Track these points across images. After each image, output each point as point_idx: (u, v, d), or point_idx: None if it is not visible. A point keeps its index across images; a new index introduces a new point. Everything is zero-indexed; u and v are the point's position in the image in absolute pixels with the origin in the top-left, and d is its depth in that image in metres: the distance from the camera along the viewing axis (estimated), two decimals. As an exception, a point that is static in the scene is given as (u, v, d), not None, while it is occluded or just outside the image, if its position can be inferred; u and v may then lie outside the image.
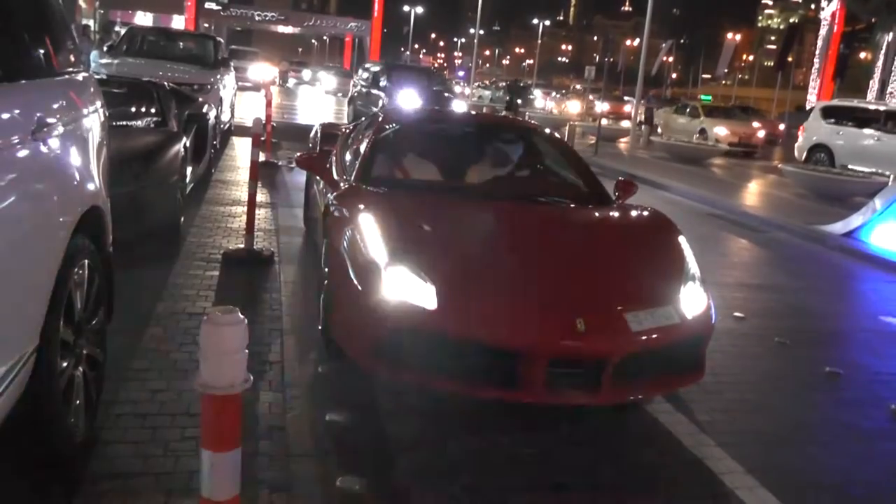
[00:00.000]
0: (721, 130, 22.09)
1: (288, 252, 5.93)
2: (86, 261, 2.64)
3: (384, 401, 3.55)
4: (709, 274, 4.00)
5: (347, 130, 6.07)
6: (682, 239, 4.11)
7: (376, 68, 19.16)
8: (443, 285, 3.30)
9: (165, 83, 7.42)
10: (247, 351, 1.57)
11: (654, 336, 3.39)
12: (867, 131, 15.46)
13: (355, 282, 3.49)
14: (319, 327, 4.06)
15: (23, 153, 2.15)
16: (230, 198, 7.77)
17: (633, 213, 4.48)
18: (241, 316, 1.55)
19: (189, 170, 6.50)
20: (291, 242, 6.27)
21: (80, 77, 3.02)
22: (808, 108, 32.52)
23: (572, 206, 4.54)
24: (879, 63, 32.71)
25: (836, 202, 12.29)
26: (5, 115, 2.10)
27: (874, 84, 33.70)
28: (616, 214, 4.47)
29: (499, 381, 3.25)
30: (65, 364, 2.50)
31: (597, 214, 4.45)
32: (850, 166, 14.75)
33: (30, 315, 2.17)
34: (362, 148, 4.85)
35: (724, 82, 65.99)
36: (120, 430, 2.92)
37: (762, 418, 3.88)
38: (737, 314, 5.49)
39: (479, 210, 4.21)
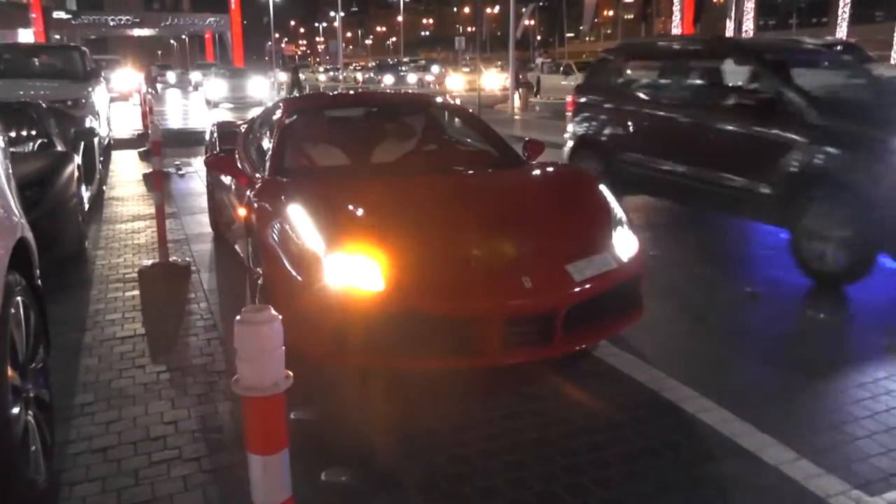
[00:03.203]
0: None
1: (203, 260, 5.74)
2: (19, 298, 2.48)
3: (344, 390, 3.52)
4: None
5: (246, 128, 5.90)
6: (602, 187, 4.24)
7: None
8: (386, 265, 3.28)
9: (40, 102, 6.99)
10: (283, 348, 1.54)
11: (596, 283, 3.50)
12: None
13: (295, 275, 3.42)
14: (261, 329, 3.97)
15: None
16: (129, 213, 7.42)
17: (552, 170, 4.59)
18: (275, 312, 1.51)
19: (84, 189, 6.17)
20: (204, 250, 6.07)
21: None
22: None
23: (492, 170, 4.61)
24: (733, 4, 34.55)
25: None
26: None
27: (730, 24, 35.56)
28: (537, 173, 4.56)
29: (456, 350, 3.28)
30: (16, 410, 2.35)
31: (519, 176, 4.53)
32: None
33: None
34: (270, 141, 4.73)
35: (587, 39, 67.83)
36: (82, 468, 2.78)
37: (702, 344, 4.10)
38: (651, 253, 5.72)
39: (403, 186, 4.19)
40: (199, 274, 5.32)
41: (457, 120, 5.34)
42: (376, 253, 3.35)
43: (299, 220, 3.56)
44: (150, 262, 5.43)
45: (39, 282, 2.86)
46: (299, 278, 3.39)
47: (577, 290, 3.41)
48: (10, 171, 2.95)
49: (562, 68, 25.42)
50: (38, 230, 4.78)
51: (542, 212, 3.94)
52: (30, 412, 2.49)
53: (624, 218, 4.01)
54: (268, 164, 4.48)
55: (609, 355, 3.88)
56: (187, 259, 5.61)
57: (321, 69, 54.40)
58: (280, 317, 1.54)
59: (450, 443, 3.01)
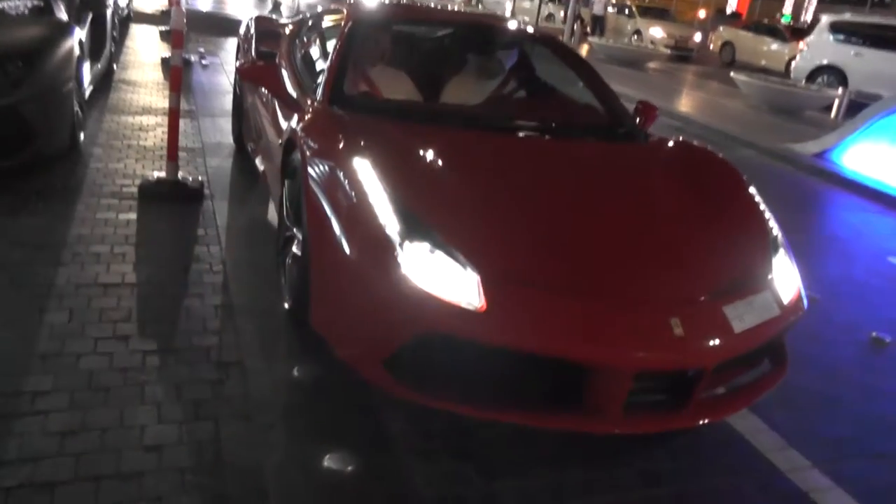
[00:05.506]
0: (657, 32, 21.26)
1: (220, 181, 4.75)
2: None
3: (401, 429, 2.56)
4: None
5: (291, 30, 4.81)
6: (753, 190, 3.24)
7: None
8: (491, 273, 2.31)
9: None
10: None
11: (755, 336, 2.54)
12: None
13: (349, 255, 2.45)
14: (286, 306, 3.02)
15: None
16: (138, 104, 6.36)
17: (684, 152, 3.55)
18: None
19: (86, 70, 5.10)
20: (222, 167, 5.07)
21: None
22: (728, 12, 32.18)
23: (614, 145, 3.58)
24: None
25: (789, 115, 11.86)
26: None
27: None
28: (667, 157, 3.51)
29: (563, 407, 2.35)
30: None
31: (648, 158, 3.49)
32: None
33: None
34: (323, 55, 3.70)
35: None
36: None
37: (841, 416, 3.15)
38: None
39: (506, 151, 3.18)
40: (212, 201, 4.33)
41: (563, 64, 4.22)
42: (475, 252, 2.37)
43: (368, 182, 2.57)
44: (155, 175, 4.43)
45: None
46: (363, 270, 2.41)
47: (735, 344, 2.45)
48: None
49: (626, 10, 23.53)
50: (18, 118, 3.82)
51: (684, 220, 2.93)
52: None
53: (781, 237, 3.02)
54: (321, 85, 3.44)
55: (733, 416, 2.93)
56: (200, 178, 4.60)
57: None
58: None
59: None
